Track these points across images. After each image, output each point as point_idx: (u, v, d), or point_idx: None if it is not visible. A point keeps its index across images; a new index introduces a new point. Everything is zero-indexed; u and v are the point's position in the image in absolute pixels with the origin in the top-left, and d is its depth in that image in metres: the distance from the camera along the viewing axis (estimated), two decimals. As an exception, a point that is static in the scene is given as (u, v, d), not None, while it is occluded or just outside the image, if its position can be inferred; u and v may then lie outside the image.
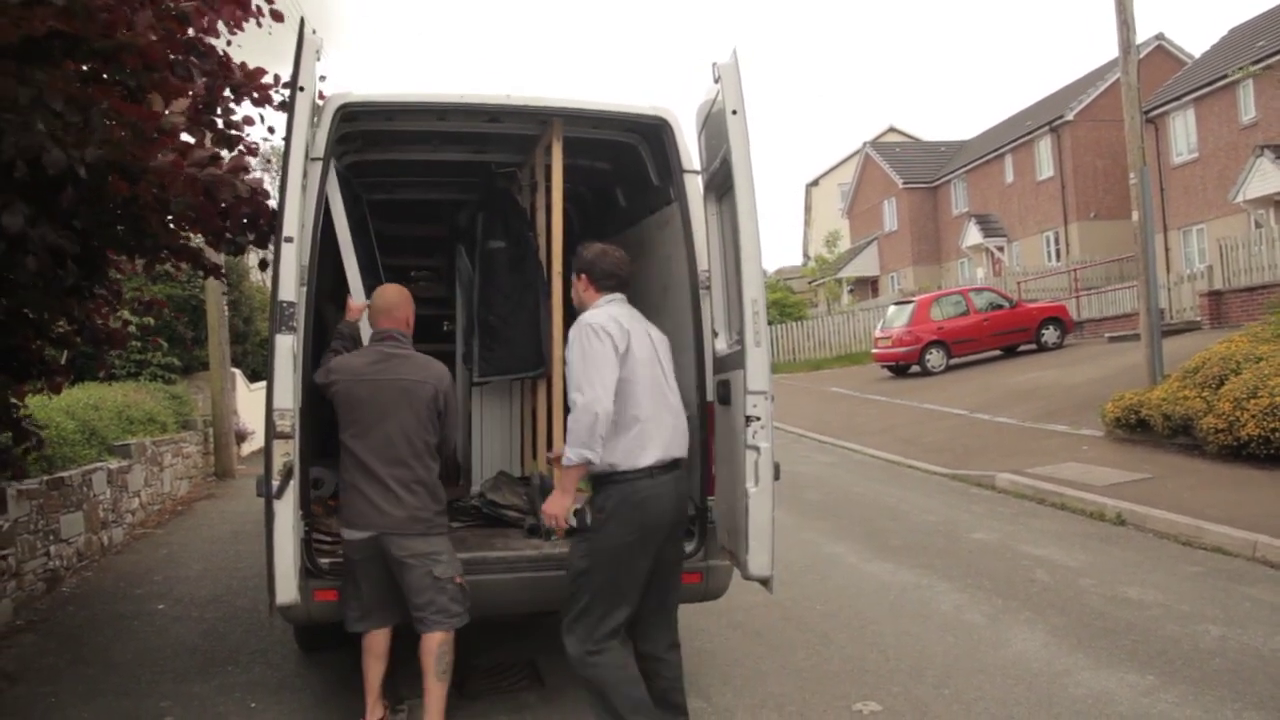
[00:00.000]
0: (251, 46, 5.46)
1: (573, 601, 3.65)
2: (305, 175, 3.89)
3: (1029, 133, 32.36)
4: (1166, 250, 25.39)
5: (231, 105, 5.33)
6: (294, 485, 3.61)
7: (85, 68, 4.15)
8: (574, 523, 3.59)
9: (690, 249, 4.51)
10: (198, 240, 5.97)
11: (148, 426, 10.84)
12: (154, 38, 4.05)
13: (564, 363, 3.74)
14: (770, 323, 4.71)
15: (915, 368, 20.40)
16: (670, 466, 3.66)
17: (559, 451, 3.86)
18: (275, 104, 5.48)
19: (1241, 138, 23.67)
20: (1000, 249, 34.13)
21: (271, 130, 10.42)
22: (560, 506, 3.56)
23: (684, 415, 3.84)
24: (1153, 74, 26.52)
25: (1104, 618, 5.53)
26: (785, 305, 34.30)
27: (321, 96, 4.30)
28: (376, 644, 4.04)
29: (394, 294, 4.33)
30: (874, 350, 22.02)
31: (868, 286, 42.00)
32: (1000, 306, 20.90)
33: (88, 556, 7.82)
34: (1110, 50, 39.54)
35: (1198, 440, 9.48)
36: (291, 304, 3.59)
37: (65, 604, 6.73)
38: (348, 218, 4.86)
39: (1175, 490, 8.34)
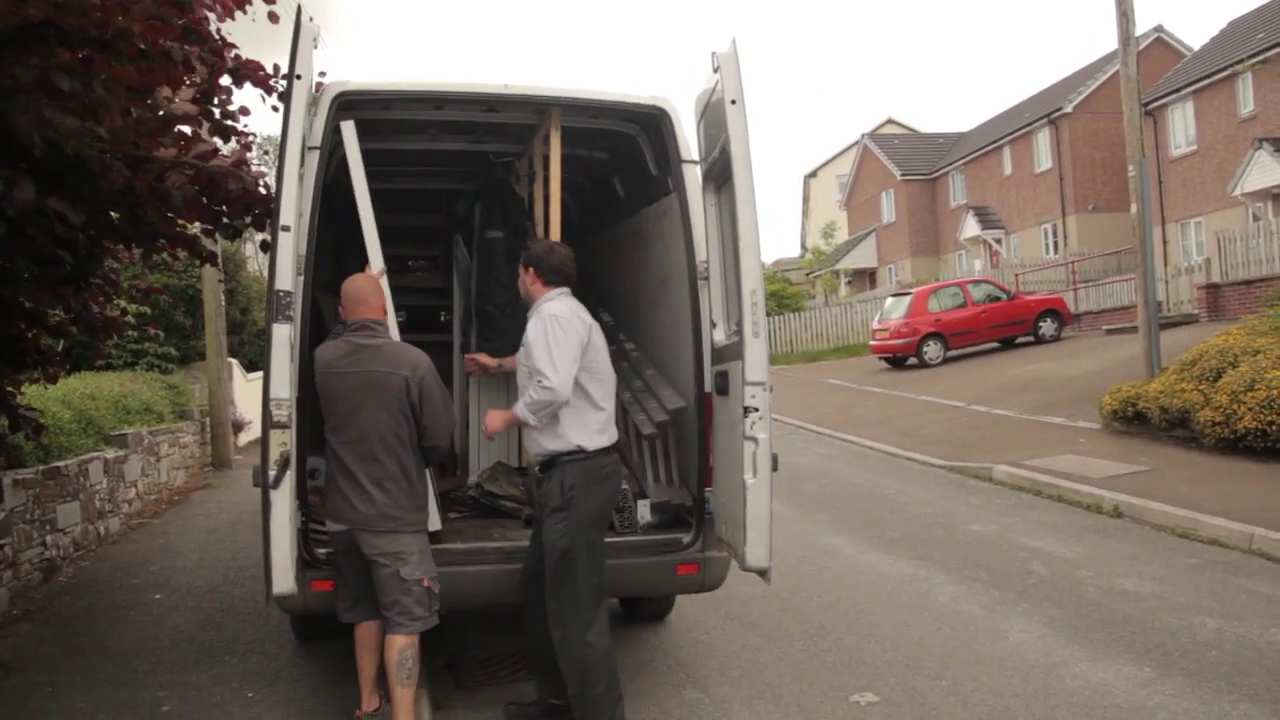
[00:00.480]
0: (249, 42, 5.43)
1: (560, 584, 3.77)
2: (302, 164, 3.87)
3: (1027, 125, 32.30)
4: (1164, 243, 25.36)
5: (230, 91, 5.28)
6: (291, 475, 3.61)
7: (82, 55, 4.12)
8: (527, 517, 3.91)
9: (689, 239, 4.50)
10: (194, 228, 5.95)
11: (144, 416, 10.82)
12: (151, 23, 4.03)
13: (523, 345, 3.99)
14: (768, 314, 4.72)
15: (913, 360, 20.39)
16: (615, 449, 4.02)
17: (493, 427, 4.11)
18: (277, 92, 5.45)
19: (1240, 130, 23.65)
20: (998, 241, 34.11)
21: (275, 109, 10.33)
22: (503, 421, 4.01)
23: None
24: (1152, 66, 26.47)
25: (1101, 609, 5.54)
26: (783, 297, 34.24)
27: (318, 86, 4.28)
28: (367, 635, 4.02)
29: (364, 283, 4.12)
30: (871, 342, 22.01)
31: (865, 278, 41.97)
32: (998, 299, 20.88)
33: (84, 546, 7.81)
34: (1109, 42, 39.44)
35: (1195, 433, 9.49)
36: (289, 293, 3.57)
37: (62, 594, 6.72)
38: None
39: (1172, 483, 8.35)
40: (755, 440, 3.71)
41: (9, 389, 5.82)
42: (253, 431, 15.72)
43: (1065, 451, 10.23)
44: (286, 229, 3.57)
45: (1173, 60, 29.22)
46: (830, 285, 40.87)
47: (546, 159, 5.08)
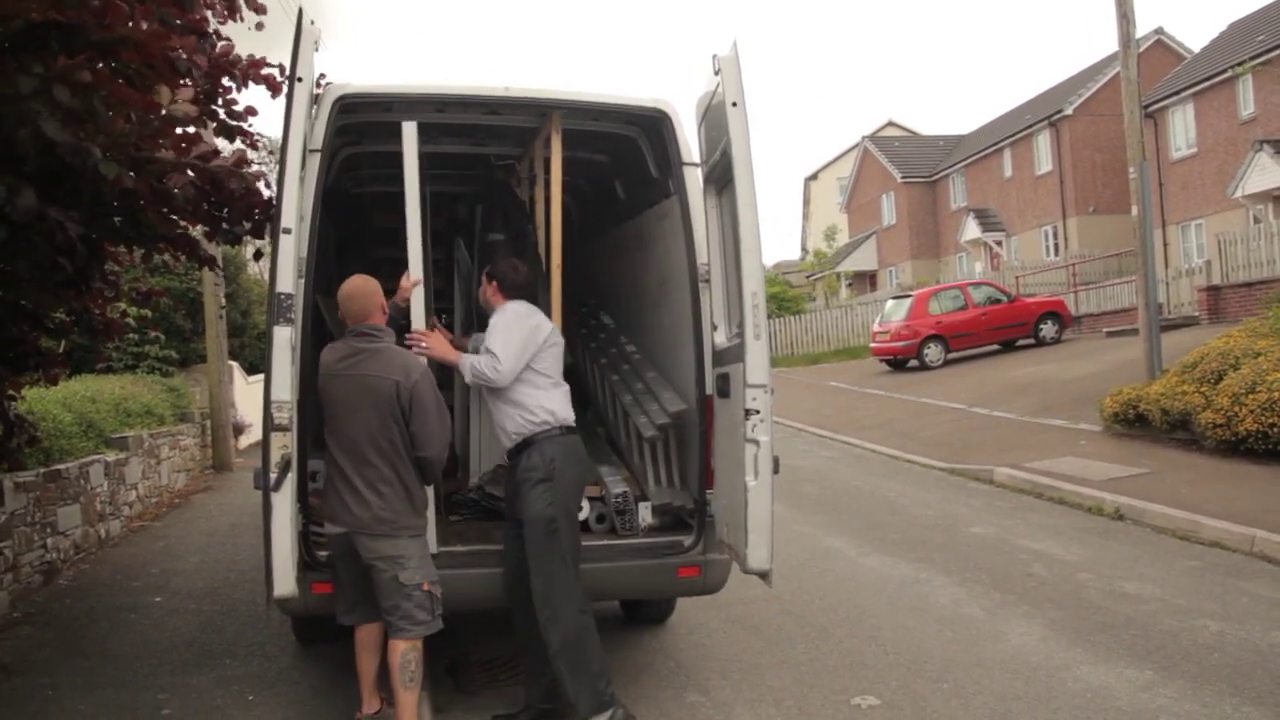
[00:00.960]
0: (249, 46, 5.42)
1: (548, 558, 3.88)
2: (304, 167, 3.87)
3: (1028, 127, 32.29)
4: (1165, 245, 25.34)
5: (234, 94, 5.26)
6: (292, 478, 3.60)
7: (84, 59, 4.12)
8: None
9: (690, 242, 4.50)
10: (195, 231, 5.95)
11: (145, 419, 10.81)
12: (151, 28, 4.03)
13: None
14: (769, 317, 4.73)
15: (913, 362, 20.39)
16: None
17: (435, 345, 4.24)
18: (282, 92, 5.44)
19: (1241, 133, 23.64)
20: (999, 243, 34.09)
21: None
22: (448, 353, 4.22)
23: None
24: (1152, 68, 26.46)
25: (1102, 612, 5.53)
26: (783, 299, 34.26)
27: (319, 87, 4.28)
28: (367, 637, 4.01)
29: (363, 284, 4.05)
30: (872, 344, 22.00)
31: (866, 280, 41.96)
32: (998, 301, 20.87)
33: (85, 549, 7.80)
34: (1109, 44, 39.56)
35: (1196, 435, 9.48)
36: (289, 296, 3.58)
37: (62, 596, 6.72)
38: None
39: (1173, 485, 8.35)
40: (756, 443, 3.72)
41: (9, 393, 5.82)
42: (253, 434, 15.71)
43: (1066, 454, 10.23)
44: (288, 231, 3.57)
45: (1173, 62, 29.22)
46: (831, 288, 40.89)
47: (547, 161, 5.08)
